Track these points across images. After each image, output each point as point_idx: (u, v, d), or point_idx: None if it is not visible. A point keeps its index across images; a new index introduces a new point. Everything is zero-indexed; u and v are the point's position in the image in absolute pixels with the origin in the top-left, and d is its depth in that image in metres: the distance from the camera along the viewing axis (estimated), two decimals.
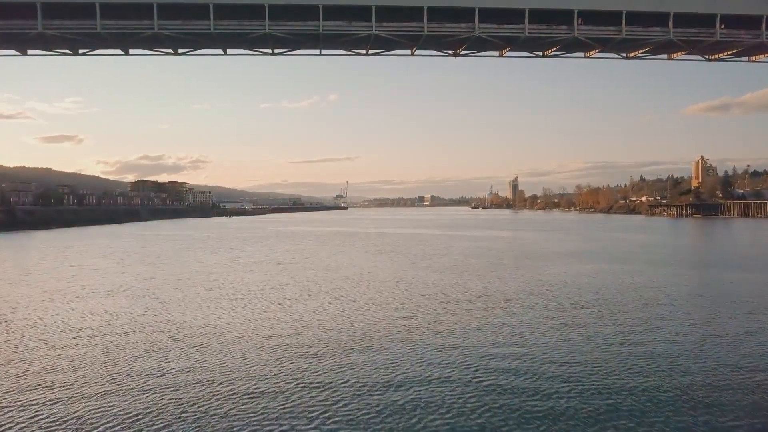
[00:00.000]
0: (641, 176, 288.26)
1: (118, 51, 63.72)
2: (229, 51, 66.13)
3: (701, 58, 66.61)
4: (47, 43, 56.98)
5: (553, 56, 68.43)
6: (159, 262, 40.38)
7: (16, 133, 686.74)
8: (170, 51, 64.43)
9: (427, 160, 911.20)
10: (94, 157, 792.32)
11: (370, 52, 65.50)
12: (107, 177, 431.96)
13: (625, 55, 66.03)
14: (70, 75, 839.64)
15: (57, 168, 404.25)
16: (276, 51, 65.74)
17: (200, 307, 22.24)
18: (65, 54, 63.27)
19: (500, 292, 25.99)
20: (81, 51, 62.74)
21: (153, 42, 58.16)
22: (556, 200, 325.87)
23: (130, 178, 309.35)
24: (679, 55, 65.63)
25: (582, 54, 66.30)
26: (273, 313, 21.27)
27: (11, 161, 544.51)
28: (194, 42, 58.90)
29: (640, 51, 65.19)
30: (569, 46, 63.83)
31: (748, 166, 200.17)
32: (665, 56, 67.61)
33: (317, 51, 66.11)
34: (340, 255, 45.66)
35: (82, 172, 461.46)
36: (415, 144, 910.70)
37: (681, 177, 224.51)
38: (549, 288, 27.36)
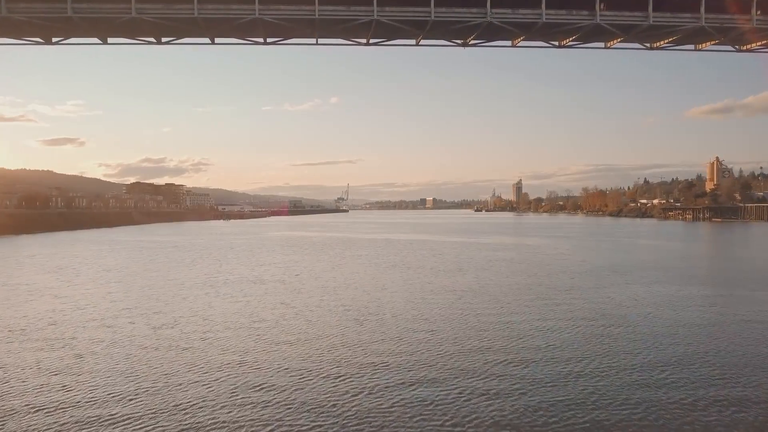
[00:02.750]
0: (645, 179, 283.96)
1: (96, 39, 58.55)
2: (217, 40, 60.84)
3: (732, 48, 61.41)
4: (17, 30, 51.98)
5: (570, 46, 63.09)
6: (117, 279, 34.20)
7: (18, 135, 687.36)
8: (152, 40, 59.14)
9: (429, 163, 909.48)
10: (96, 159, 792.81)
11: (371, 41, 60.04)
12: (109, 180, 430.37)
13: (648, 45, 60.88)
14: (72, 77, 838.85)
15: (58, 171, 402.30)
16: (268, 40, 60.40)
17: (125, 360, 16.04)
18: (38, 43, 58.20)
19: (572, 342, 18.32)
20: (54, 40, 57.67)
21: (133, 29, 52.97)
22: (561, 203, 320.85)
23: (132, 180, 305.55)
24: (708, 45, 60.42)
25: (602, 44, 61.16)
26: (229, 381, 14.26)
27: (13, 164, 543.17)
28: (178, 29, 53.75)
29: (666, 41, 59.82)
30: (589, 35, 58.46)
31: (762, 168, 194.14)
32: (692, 47, 62.43)
33: (314, 40, 60.72)
34: (339, 270, 39.21)
35: (84, 175, 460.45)
36: (416, 147, 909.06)
37: (687, 179, 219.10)
38: (632, 330, 20.08)
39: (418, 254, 52.82)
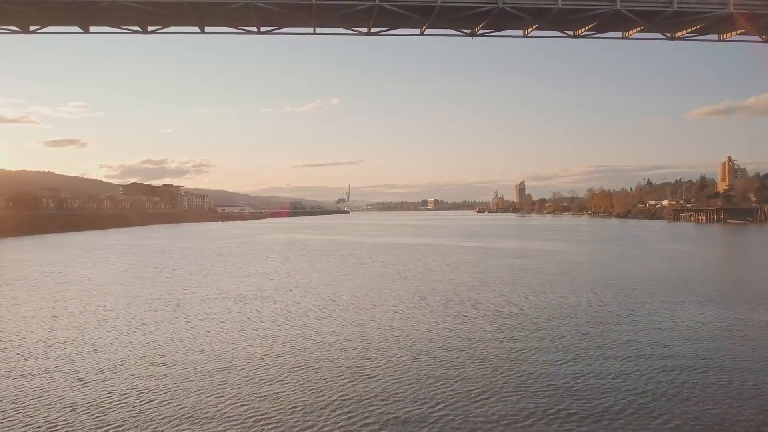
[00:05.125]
0: (648, 180, 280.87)
1: (76, 28, 54.65)
2: (207, 29, 56.75)
3: (759, 39, 57.31)
4: None
5: (585, 36, 58.96)
6: (74, 295, 29.11)
7: (19, 137, 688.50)
8: (137, 29, 55.18)
9: (430, 164, 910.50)
10: (98, 161, 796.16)
11: (373, 30, 55.93)
12: (110, 181, 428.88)
13: (670, 35, 56.83)
14: (74, 79, 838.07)
15: (59, 172, 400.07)
16: (262, 29, 56.34)
17: None
18: (14, 32, 54.30)
19: (681, 411, 12.66)
20: (32, 28, 53.84)
21: (115, 16, 49.14)
22: (565, 204, 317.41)
23: (134, 182, 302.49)
24: (733, 35, 56.48)
25: (620, 34, 57.11)
26: None
27: (14, 165, 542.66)
28: (164, 16, 49.87)
29: (688, 30, 55.70)
30: (606, 23, 54.43)
31: None
32: (716, 37, 58.49)
33: (311, 29, 56.64)
34: (340, 283, 34.09)
35: (85, 176, 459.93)
36: (418, 148, 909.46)
37: (690, 180, 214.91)
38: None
39: (429, 262, 48.16)
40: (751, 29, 52.83)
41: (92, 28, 51.96)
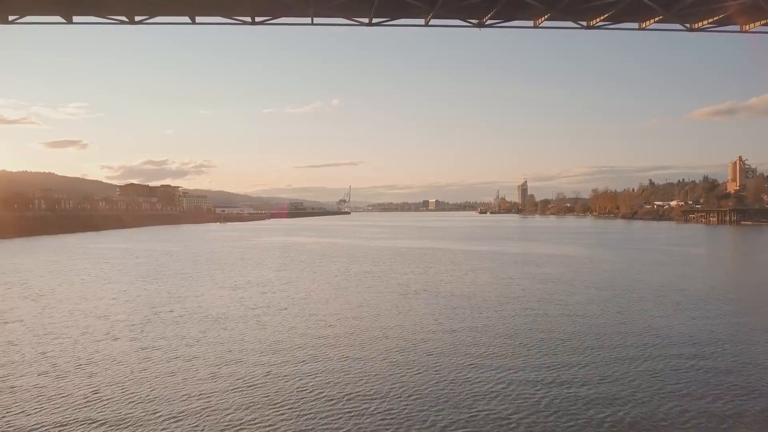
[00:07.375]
0: (650, 180, 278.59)
1: (59, 18, 51.11)
2: (198, 19, 53.08)
3: None
4: None
5: (600, 27, 55.23)
6: (21, 316, 24.47)
7: (20, 138, 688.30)
8: (124, 19, 51.63)
9: (431, 165, 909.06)
10: (98, 162, 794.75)
11: (374, 20, 52.37)
12: (111, 182, 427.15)
13: (689, 26, 53.39)
14: (74, 80, 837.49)
15: (60, 173, 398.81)
16: (257, 20, 52.66)
17: None
18: None
19: None
20: (11, 18, 50.49)
21: (99, 5, 45.93)
22: (569, 205, 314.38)
23: (135, 183, 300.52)
24: (756, 25, 53.04)
25: (636, 25, 53.75)
26: None
27: (15, 166, 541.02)
28: (153, 5, 46.63)
29: (709, 20, 52.21)
30: (623, 13, 50.87)
31: None
32: (737, 27, 55.05)
33: (309, 20, 53.10)
34: (339, 301, 30.19)
35: (86, 177, 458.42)
36: (418, 148, 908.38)
37: (693, 181, 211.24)
38: None
39: (441, 270, 43.43)
40: None
41: (76, 18, 48.93)
